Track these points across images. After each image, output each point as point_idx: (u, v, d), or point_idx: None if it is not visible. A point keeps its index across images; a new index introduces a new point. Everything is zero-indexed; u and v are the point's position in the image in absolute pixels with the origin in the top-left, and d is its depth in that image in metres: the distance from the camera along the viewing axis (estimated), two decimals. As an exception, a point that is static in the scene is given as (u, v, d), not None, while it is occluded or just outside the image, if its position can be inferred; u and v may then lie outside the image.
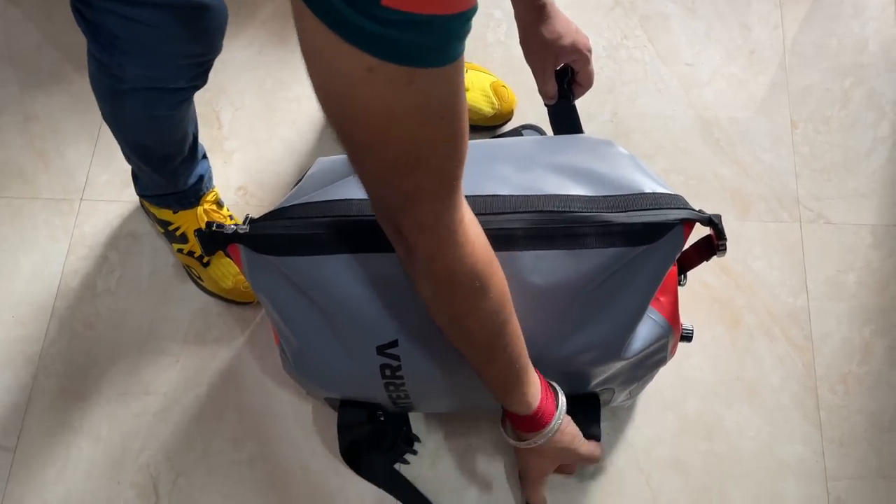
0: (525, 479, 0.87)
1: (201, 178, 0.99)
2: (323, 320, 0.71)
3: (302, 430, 0.98)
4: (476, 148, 0.79)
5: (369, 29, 0.40)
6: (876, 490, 0.92)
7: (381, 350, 0.72)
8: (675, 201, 0.70)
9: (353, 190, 0.70)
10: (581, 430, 0.81)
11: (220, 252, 1.00)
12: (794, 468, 0.93)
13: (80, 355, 1.03)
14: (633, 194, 0.70)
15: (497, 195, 0.69)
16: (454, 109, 0.48)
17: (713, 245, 0.73)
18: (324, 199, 0.69)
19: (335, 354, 0.74)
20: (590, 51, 0.84)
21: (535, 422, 0.73)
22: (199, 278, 1.02)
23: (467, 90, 1.10)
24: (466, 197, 0.68)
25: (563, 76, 0.86)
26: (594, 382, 0.79)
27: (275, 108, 1.17)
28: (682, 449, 0.95)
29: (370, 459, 0.90)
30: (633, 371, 0.80)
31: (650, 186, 0.71)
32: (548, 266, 0.68)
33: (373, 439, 0.92)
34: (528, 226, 0.67)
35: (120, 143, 0.92)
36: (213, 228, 0.68)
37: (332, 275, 0.68)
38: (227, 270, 1.01)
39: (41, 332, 1.04)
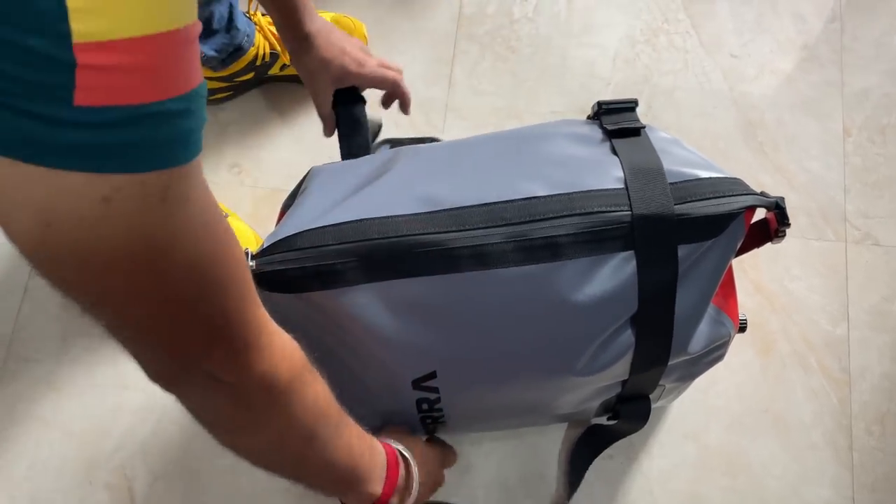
0: None
1: None
2: (349, 358, 0.63)
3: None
4: (500, 139, 0.70)
5: (92, 140, 0.31)
6: (906, 540, 0.86)
7: (417, 384, 0.64)
8: (736, 186, 0.62)
9: (367, 207, 0.61)
10: (625, 426, 0.80)
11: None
12: (820, 512, 0.87)
13: (53, 341, 0.95)
14: (687, 181, 0.62)
15: (535, 197, 0.61)
16: (219, 215, 0.40)
17: (770, 231, 0.66)
18: (335, 221, 0.60)
19: (365, 394, 0.66)
20: (362, 66, 0.79)
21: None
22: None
23: None
24: (500, 204, 0.60)
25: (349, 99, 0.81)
26: None
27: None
28: (700, 483, 0.88)
29: None
30: (690, 368, 0.72)
31: (704, 171, 0.63)
32: (598, 274, 0.60)
33: None
34: (575, 231, 0.59)
35: None
36: None
37: (356, 308, 0.59)
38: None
39: (12, 313, 0.96)
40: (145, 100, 0.31)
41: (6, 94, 0.29)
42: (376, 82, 0.82)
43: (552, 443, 0.89)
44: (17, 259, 1.01)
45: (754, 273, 0.94)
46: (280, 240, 0.60)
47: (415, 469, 0.67)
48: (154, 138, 0.32)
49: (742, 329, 0.74)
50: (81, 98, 0.29)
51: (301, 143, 1.02)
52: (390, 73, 0.82)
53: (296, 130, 1.03)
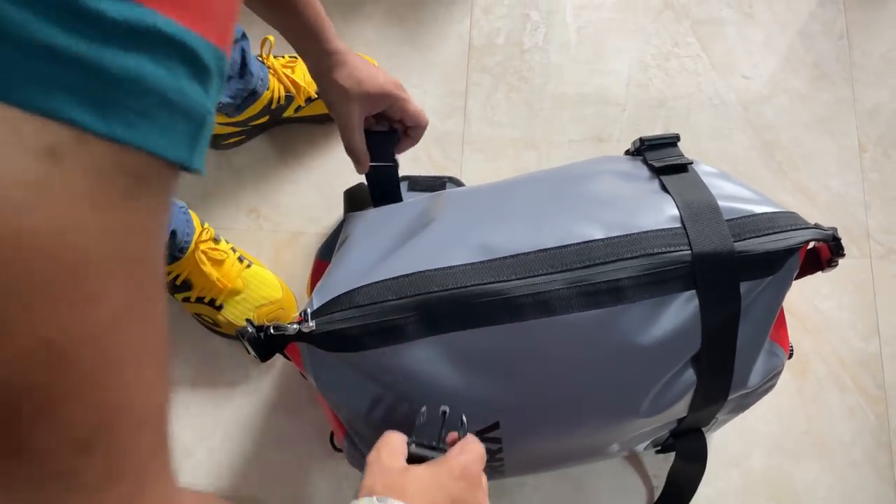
0: None
1: (172, 233, 0.84)
2: (408, 412, 0.61)
3: (333, 490, 0.88)
4: (544, 180, 0.69)
5: (92, 53, 0.20)
6: (953, 554, 0.86)
7: (479, 435, 0.62)
8: (793, 220, 0.62)
9: (421, 259, 0.60)
10: (684, 468, 0.76)
11: (231, 290, 0.90)
12: (867, 532, 0.86)
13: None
14: (743, 217, 0.61)
15: (593, 240, 0.60)
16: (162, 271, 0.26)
17: (822, 260, 0.66)
18: (393, 275, 0.59)
19: None
20: (402, 89, 0.74)
21: None
22: (216, 324, 0.90)
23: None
24: (558, 249, 0.59)
25: (386, 139, 0.77)
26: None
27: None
28: (746, 509, 0.87)
29: None
30: (744, 399, 0.71)
31: (758, 206, 0.62)
32: (662, 315, 0.59)
33: None
34: (637, 273, 0.58)
35: None
36: (271, 332, 0.57)
37: (418, 363, 0.58)
38: (243, 307, 0.90)
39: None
40: (190, 24, 0.22)
41: None
42: (416, 114, 0.76)
43: (596, 478, 0.88)
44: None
45: (784, 294, 0.94)
46: (337, 297, 0.59)
47: None
48: (171, 95, 0.22)
49: (790, 355, 0.74)
50: None
51: (319, 185, 1.01)
52: (423, 112, 0.77)
53: (314, 172, 1.01)
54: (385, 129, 0.77)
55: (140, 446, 0.25)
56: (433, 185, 0.89)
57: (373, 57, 1.03)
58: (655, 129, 1.03)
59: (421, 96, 1.05)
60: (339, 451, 0.79)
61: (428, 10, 1.09)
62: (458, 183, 0.93)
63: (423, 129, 0.78)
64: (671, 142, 0.70)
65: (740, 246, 0.59)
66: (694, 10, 1.09)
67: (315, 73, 0.72)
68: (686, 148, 1.01)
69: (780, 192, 0.99)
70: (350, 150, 0.75)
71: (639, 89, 1.05)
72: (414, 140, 0.79)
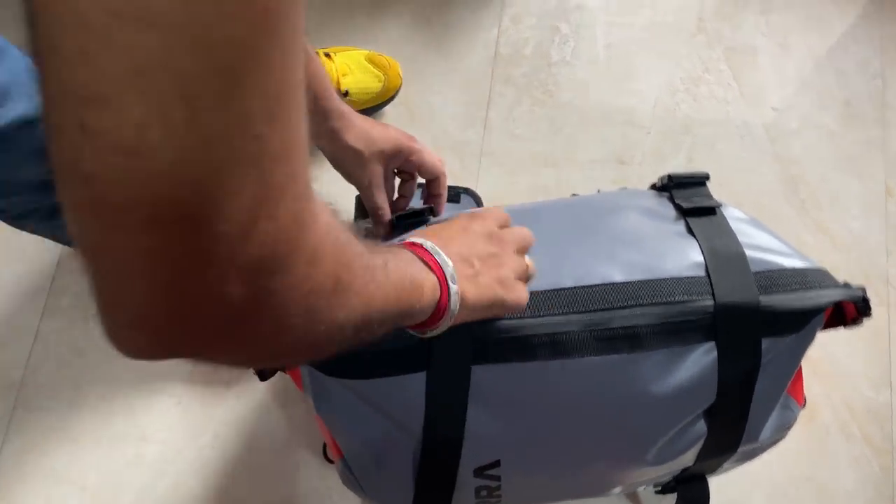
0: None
1: None
2: (410, 445, 0.59)
3: (323, 496, 0.86)
4: (566, 211, 0.67)
5: None
6: None
7: (479, 472, 0.60)
8: (823, 279, 0.59)
9: None
10: None
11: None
12: (863, 587, 0.85)
13: (67, 387, 0.90)
14: (771, 270, 0.59)
15: (613, 283, 0.57)
16: None
17: (846, 318, 0.63)
18: None
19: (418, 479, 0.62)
20: (415, 141, 0.69)
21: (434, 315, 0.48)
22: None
23: (345, 75, 0.96)
24: (577, 289, 0.57)
25: (417, 224, 0.69)
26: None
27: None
28: (741, 554, 0.86)
29: None
30: (752, 451, 0.69)
31: (786, 259, 0.60)
32: (679, 366, 0.57)
33: None
34: (656, 321, 0.56)
35: None
36: None
37: (422, 395, 0.56)
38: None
39: (23, 357, 0.91)
40: None
41: None
42: (433, 165, 0.70)
43: (590, 509, 0.86)
44: (28, 298, 0.96)
45: (797, 336, 0.92)
46: None
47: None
48: None
49: (803, 406, 0.72)
50: None
51: (329, 189, 0.98)
52: (440, 162, 0.71)
53: (325, 174, 0.99)
54: (413, 211, 0.68)
55: (300, 133, 0.27)
56: (448, 196, 0.87)
57: (395, 58, 1.00)
58: (679, 156, 1.01)
59: (443, 103, 1.02)
60: (332, 462, 0.78)
61: (456, 14, 1.06)
62: (474, 195, 0.90)
63: (445, 182, 0.73)
64: (700, 181, 0.67)
65: (766, 300, 0.57)
66: (728, 36, 1.06)
67: (323, 137, 0.67)
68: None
69: (801, 231, 0.97)
70: (373, 211, 0.70)
71: (665, 113, 1.03)
72: (440, 205, 0.73)
